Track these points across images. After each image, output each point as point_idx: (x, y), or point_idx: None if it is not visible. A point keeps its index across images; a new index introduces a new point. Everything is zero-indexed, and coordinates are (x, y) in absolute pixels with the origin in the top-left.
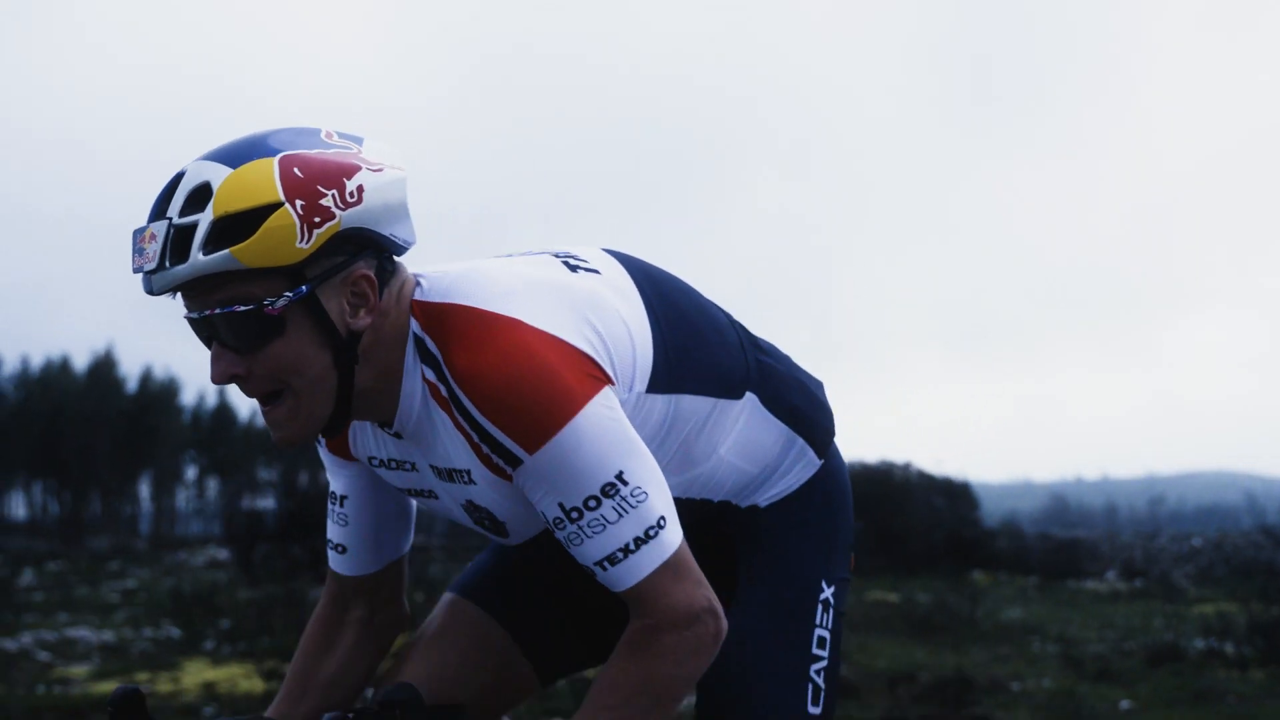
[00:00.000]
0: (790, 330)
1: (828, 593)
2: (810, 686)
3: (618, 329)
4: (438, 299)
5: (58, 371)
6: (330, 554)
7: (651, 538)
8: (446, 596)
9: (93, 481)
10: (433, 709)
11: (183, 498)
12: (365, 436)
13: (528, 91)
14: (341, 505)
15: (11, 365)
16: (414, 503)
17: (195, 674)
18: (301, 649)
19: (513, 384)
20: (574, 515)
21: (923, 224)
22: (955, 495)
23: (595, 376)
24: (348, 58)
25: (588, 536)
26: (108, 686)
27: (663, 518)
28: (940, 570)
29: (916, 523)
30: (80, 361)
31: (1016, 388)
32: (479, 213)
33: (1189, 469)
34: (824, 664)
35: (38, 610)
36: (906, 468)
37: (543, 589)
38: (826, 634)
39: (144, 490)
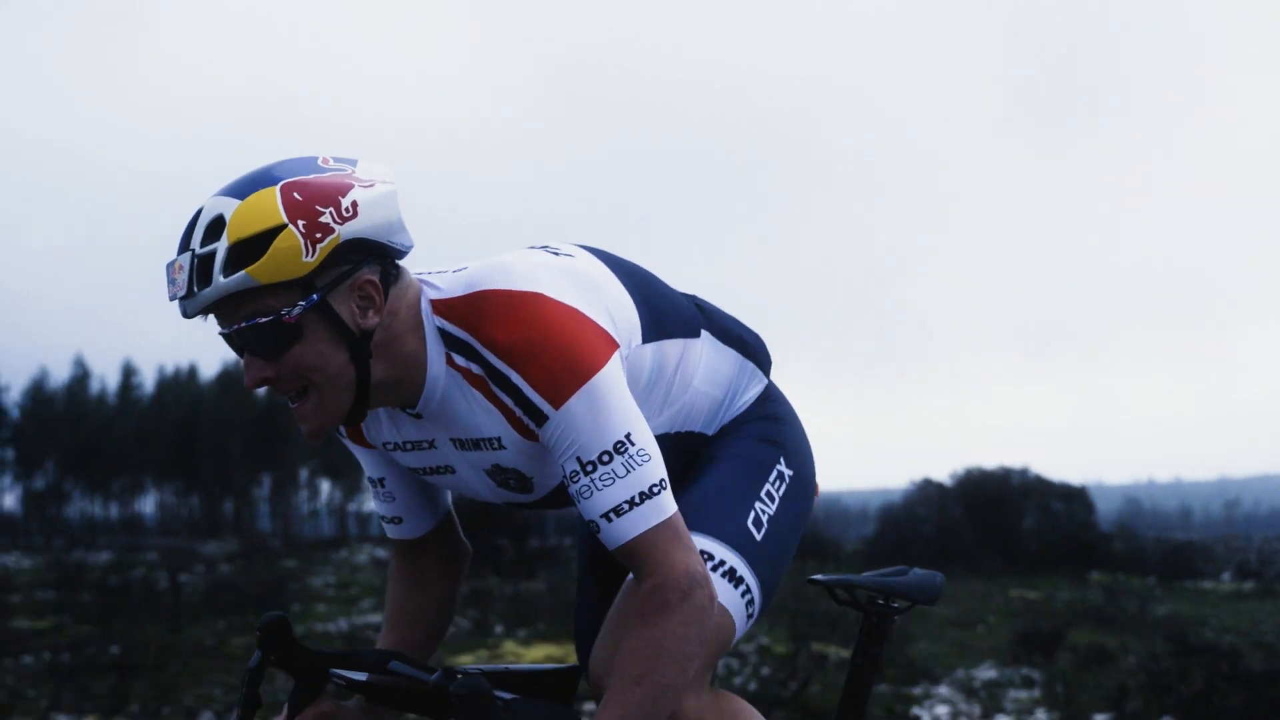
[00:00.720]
0: (854, 338)
1: (784, 469)
2: (752, 514)
3: (614, 298)
4: (460, 293)
5: (186, 379)
6: (387, 527)
7: (654, 494)
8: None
9: (224, 484)
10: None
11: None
12: (379, 425)
13: (598, 104)
14: (382, 485)
15: (148, 375)
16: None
17: (518, 656)
18: (390, 597)
19: (542, 346)
20: (589, 468)
21: (988, 230)
22: (1072, 499)
23: (608, 342)
24: (431, 81)
25: (598, 489)
26: (464, 660)
27: (663, 479)
28: (1059, 571)
29: (1035, 525)
30: (208, 369)
31: (1086, 391)
32: (548, 221)
33: (1262, 472)
34: (770, 512)
35: (329, 601)
36: (1024, 473)
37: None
38: (776, 494)
39: (261, 493)
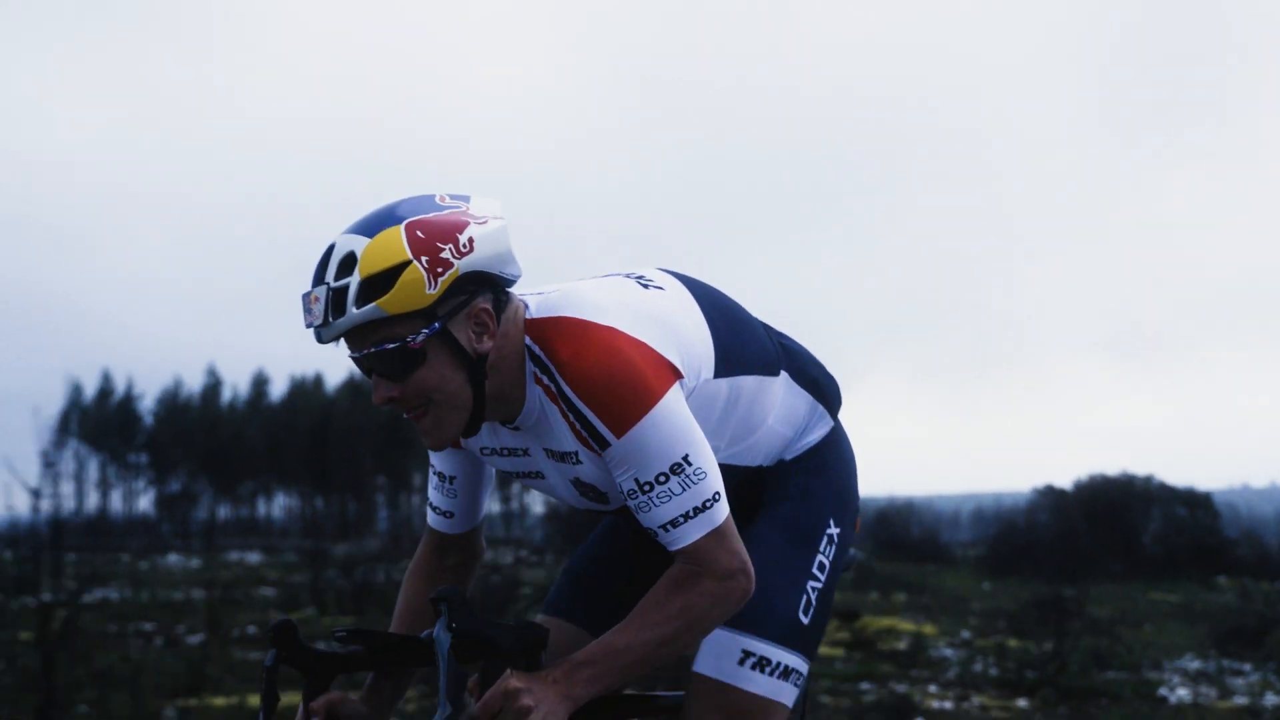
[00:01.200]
0: (947, 342)
1: (834, 530)
2: (804, 599)
3: (686, 333)
4: (546, 314)
5: (313, 388)
6: (434, 516)
7: (707, 509)
8: (539, 617)
9: (353, 488)
10: (519, 627)
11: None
12: (479, 432)
13: (686, 114)
14: (450, 483)
15: (279, 384)
16: (493, 472)
17: None
18: (408, 584)
19: (607, 377)
20: (646, 488)
21: (1083, 234)
22: (1196, 505)
23: (670, 373)
24: (523, 97)
25: (656, 505)
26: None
27: (717, 493)
28: (1183, 576)
29: (1160, 531)
30: (333, 379)
31: (1179, 396)
32: (639, 231)
33: None
34: (819, 585)
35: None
36: (1148, 480)
37: (614, 595)
38: (827, 562)
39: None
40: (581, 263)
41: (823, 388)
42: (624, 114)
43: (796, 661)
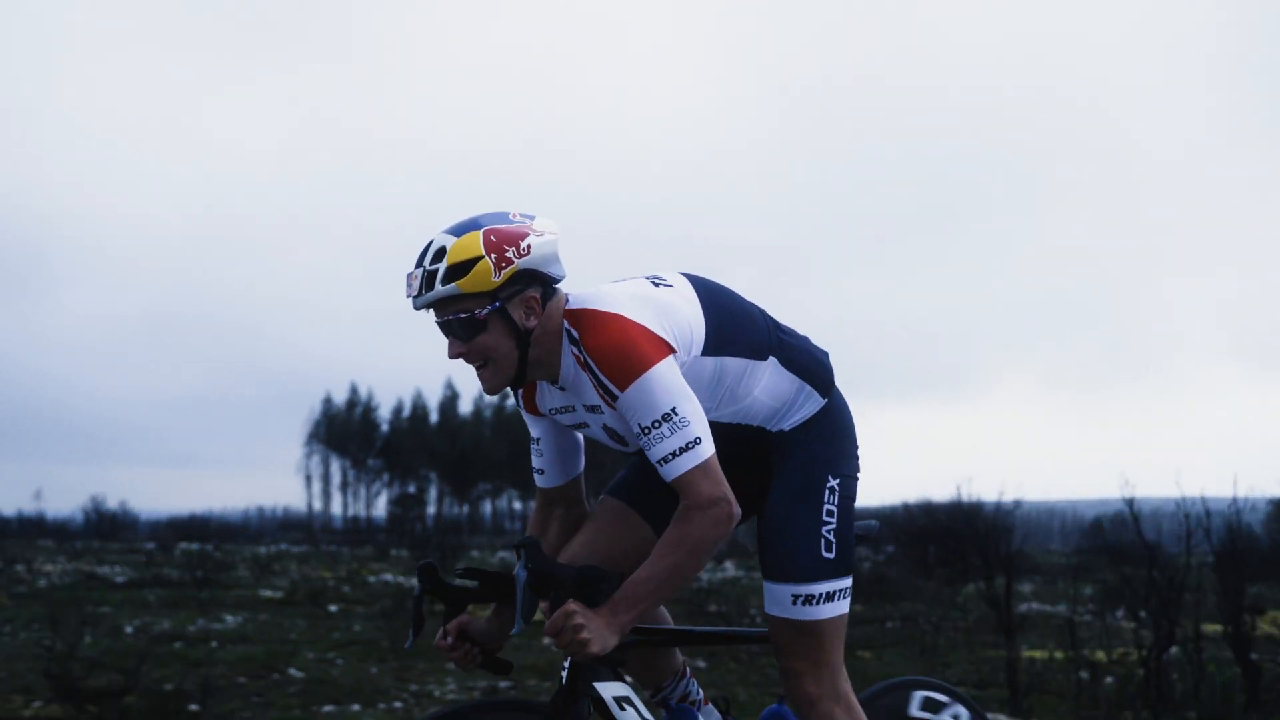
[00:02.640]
0: (1078, 353)
1: (834, 483)
2: (823, 542)
3: (681, 319)
4: (577, 306)
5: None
6: (536, 476)
7: (691, 448)
8: (600, 497)
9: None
10: (582, 569)
11: None
12: (545, 396)
13: (831, 125)
14: (538, 444)
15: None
16: (580, 437)
17: None
18: (530, 530)
19: (614, 350)
20: (646, 431)
21: (1220, 235)
22: None
23: (664, 347)
24: (678, 113)
25: (654, 444)
26: None
27: (699, 438)
28: None
29: None
30: None
31: None
32: (783, 243)
33: None
34: (833, 526)
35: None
36: None
37: (664, 486)
38: (834, 509)
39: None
40: (725, 274)
41: (811, 372)
42: (768, 130)
43: (834, 585)
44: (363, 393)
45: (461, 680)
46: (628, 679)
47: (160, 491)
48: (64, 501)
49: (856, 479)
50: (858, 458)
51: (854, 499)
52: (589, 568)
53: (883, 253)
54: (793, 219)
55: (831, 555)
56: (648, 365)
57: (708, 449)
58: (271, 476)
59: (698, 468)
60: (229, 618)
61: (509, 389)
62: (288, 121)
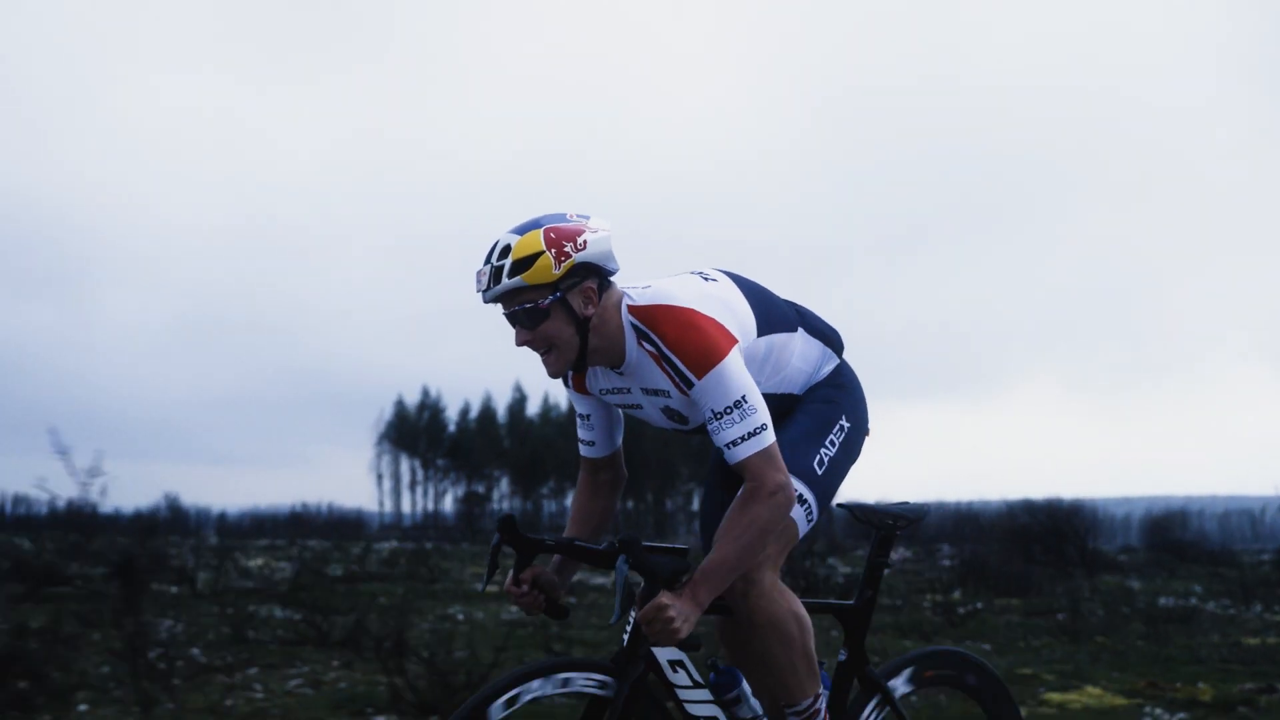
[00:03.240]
0: (1104, 350)
1: (845, 424)
2: (819, 457)
3: (737, 310)
4: (646, 303)
5: None
6: (583, 447)
7: (756, 434)
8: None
9: (665, 490)
10: (672, 564)
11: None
12: (596, 378)
13: (862, 129)
14: (587, 420)
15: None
16: (622, 414)
17: None
18: (576, 500)
19: (691, 342)
20: (717, 416)
21: (1246, 239)
22: None
23: (730, 339)
24: (717, 117)
25: (724, 429)
26: None
27: (764, 425)
28: None
29: None
30: None
31: None
32: (816, 245)
33: None
34: (832, 453)
35: None
36: None
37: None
38: (837, 441)
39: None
40: (767, 273)
41: (828, 336)
42: (801, 132)
43: (809, 493)
44: (430, 395)
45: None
46: None
47: (202, 488)
48: (117, 497)
49: (864, 435)
50: (867, 419)
51: (857, 451)
52: (677, 562)
53: (915, 253)
54: (828, 218)
55: (820, 472)
56: (721, 356)
57: (770, 436)
58: (312, 474)
59: (762, 453)
60: (465, 611)
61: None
62: (332, 130)
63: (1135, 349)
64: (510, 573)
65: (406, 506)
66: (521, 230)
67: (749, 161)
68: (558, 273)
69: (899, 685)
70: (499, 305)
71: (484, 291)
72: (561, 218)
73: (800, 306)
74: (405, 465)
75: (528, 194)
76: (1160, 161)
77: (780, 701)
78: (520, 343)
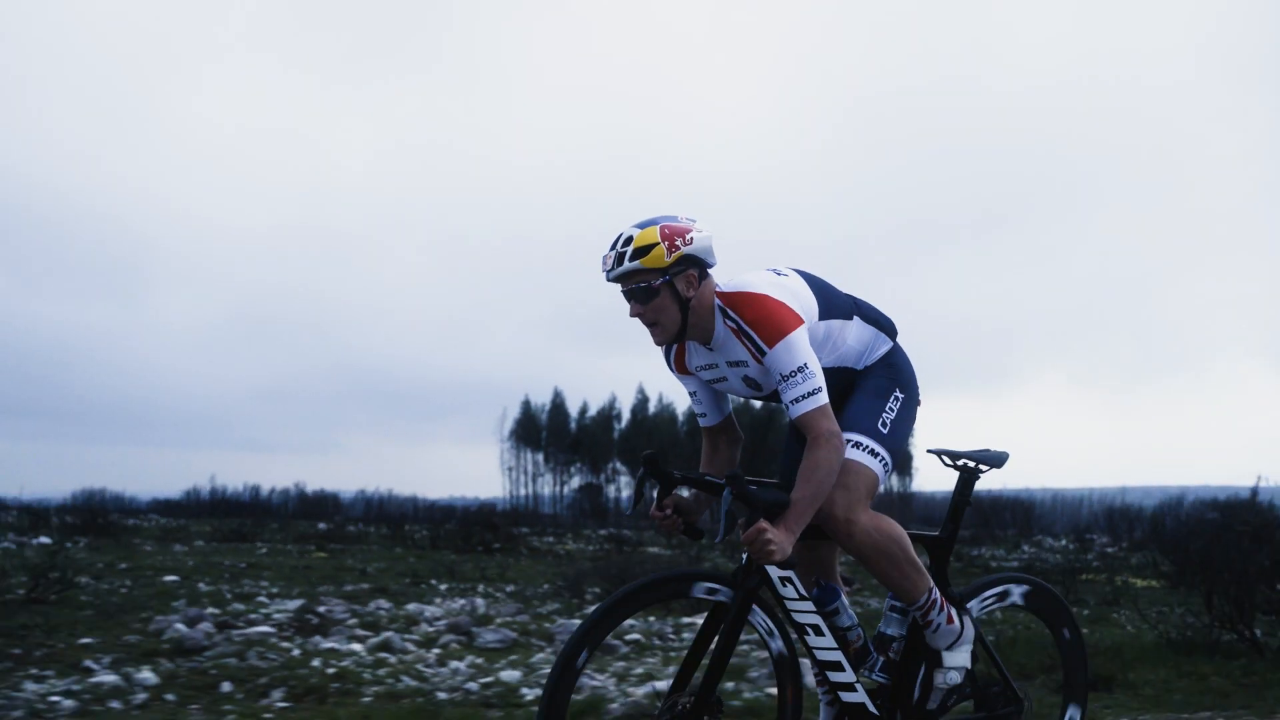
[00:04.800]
0: (1110, 345)
1: (900, 395)
2: (881, 419)
3: (802, 299)
4: (730, 290)
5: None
6: (700, 419)
7: (814, 394)
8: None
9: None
10: (770, 498)
11: None
12: (693, 356)
13: (886, 132)
14: (695, 396)
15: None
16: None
17: None
18: (703, 458)
19: (765, 319)
20: (784, 378)
21: (1250, 238)
22: None
23: (798, 319)
24: (746, 124)
25: (789, 389)
26: None
27: (820, 388)
28: None
29: None
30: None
31: None
32: (838, 246)
33: None
34: (892, 417)
35: None
36: None
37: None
38: (895, 408)
39: None
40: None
41: (881, 324)
42: (829, 134)
43: (879, 448)
44: (559, 396)
45: None
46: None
47: (237, 473)
48: (162, 484)
49: (916, 406)
50: (918, 392)
51: (913, 418)
52: (777, 495)
53: (933, 249)
54: (853, 218)
55: (885, 431)
56: (789, 330)
57: (824, 397)
58: (344, 460)
59: (818, 409)
60: None
61: (665, 359)
62: (382, 139)
63: (1141, 345)
64: (654, 500)
65: (522, 491)
66: (642, 225)
67: (777, 164)
68: (668, 261)
69: (975, 606)
70: (618, 285)
71: (608, 272)
72: (674, 219)
73: (857, 299)
74: (529, 459)
75: (572, 199)
76: (1170, 164)
77: (904, 603)
78: (633, 314)
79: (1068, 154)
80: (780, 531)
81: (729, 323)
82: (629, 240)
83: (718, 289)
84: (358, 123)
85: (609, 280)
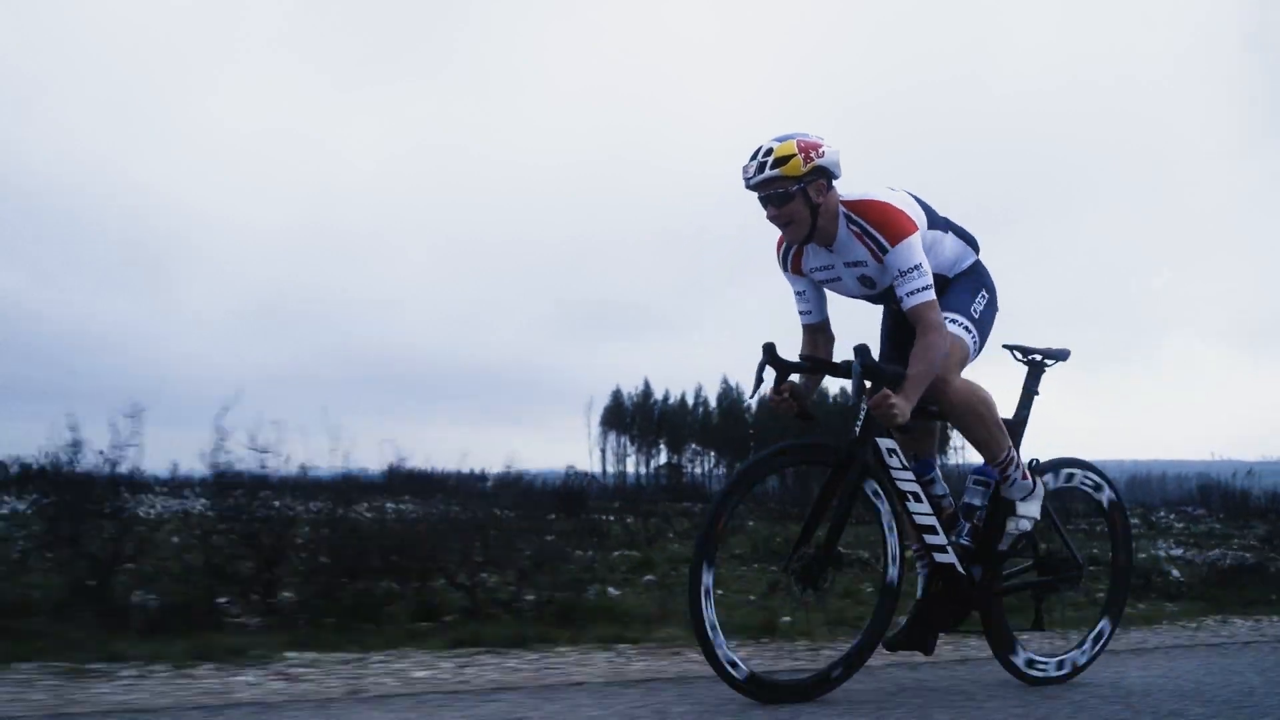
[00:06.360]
0: (1085, 330)
1: (984, 294)
2: (973, 304)
3: (916, 209)
4: (855, 199)
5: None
6: (802, 318)
7: (926, 290)
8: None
9: None
10: (892, 369)
11: None
12: (809, 259)
13: (883, 130)
14: (803, 294)
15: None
16: (826, 293)
17: None
18: (803, 354)
19: (889, 222)
20: (903, 274)
21: (1229, 240)
22: None
23: (914, 225)
24: (747, 125)
25: (905, 284)
26: None
27: (930, 284)
28: None
29: None
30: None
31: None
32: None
33: None
34: (981, 306)
35: None
36: None
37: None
38: (981, 303)
39: None
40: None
41: (967, 238)
42: (831, 133)
43: (972, 326)
44: (649, 385)
45: None
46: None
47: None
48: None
49: (997, 309)
50: (998, 298)
51: (994, 315)
52: (895, 368)
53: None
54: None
55: (976, 315)
56: (910, 232)
57: (934, 293)
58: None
59: (930, 302)
60: None
61: (780, 263)
62: (394, 141)
63: (1108, 331)
64: (771, 385)
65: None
66: (781, 139)
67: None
68: (804, 170)
69: (1049, 480)
70: (756, 192)
71: (748, 179)
72: (807, 135)
73: (950, 219)
74: (614, 440)
75: (576, 199)
76: (1144, 161)
77: (986, 459)
78: (770, 217)
79: (1057, 154)
80: (902, 399)
81: (853, 227)
82: (769, 151)
83: (843, 198)
84: (371, 123)
85: (748, 187)
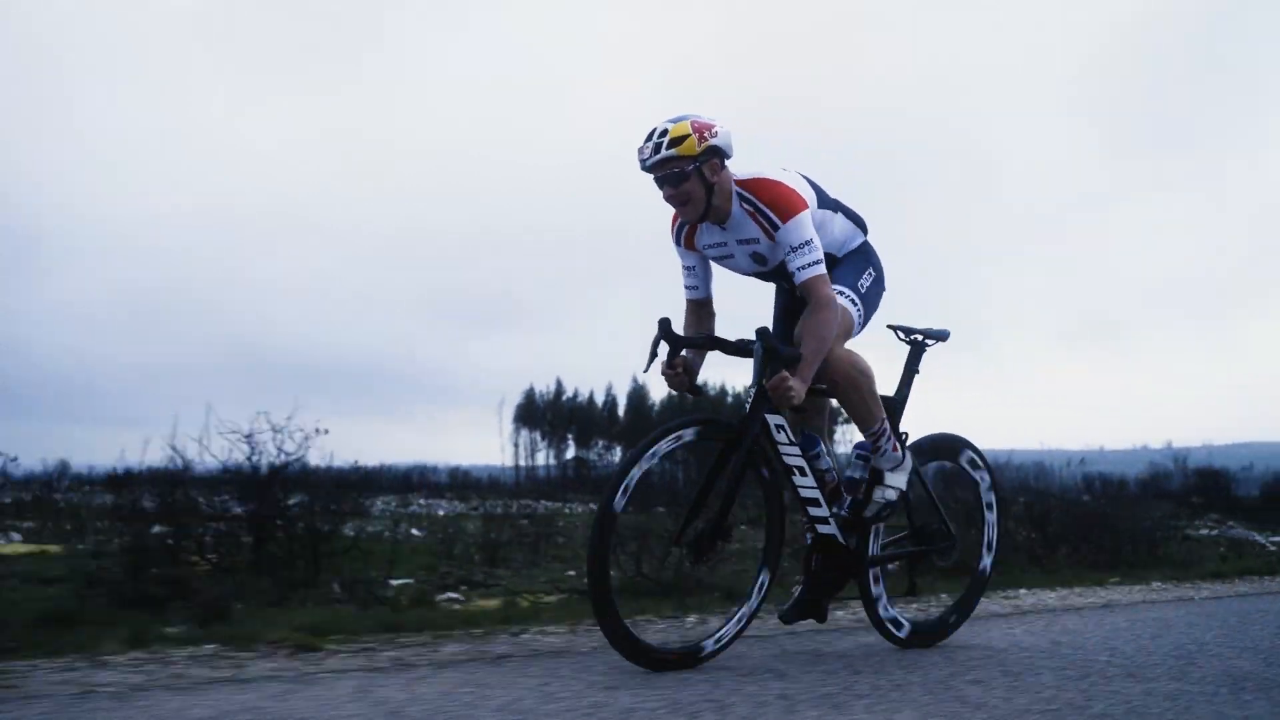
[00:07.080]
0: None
1: (870, 272)
2: (858, 280)
3: (805, 188)
4: (747, 177)
5: None
6: (688, 292)
7: (815, 265)
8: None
9: None
10: (790, 350)
11: None
12: (703, 236)
13: (783, 132)
14: (692, 270)
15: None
16: (713, 268)
17: None
18: (686, 326)
19: (781, 200)
20: (794, 249)
21: (1066, 245)
22: None
23: (805, 203)
24: (634, 114)
25: (796, 259)
26: None
27: (821, 259)
28: None
29: None
30: None
31: (1126, 370)
32: None
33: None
34: (866, 284)
35: None
36: None
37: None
38: (866, 281)
39: None
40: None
41: (855, 220)
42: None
43: (858, 299)
44: (561, 384)
45: None
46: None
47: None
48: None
49: (883, 289)
50: (885, 278)
51: (880, 293)
52: (793, 350)
53: None
54: None
55: (861, 291)
56: (800, 209)
57: (824, 268)
58: None
59: (820, 276)
60: None
61: (674, 239)
62: (305, 131)
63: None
64: (665, 359)
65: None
66: (675, 120)
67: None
68: (698, 150)
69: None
70: (651, 173)
71: (644, 161)
72: (699, 116)
73: (840, 200)
74: (525, 436)
75: (475, 184)
76: (993, 174)
77: (860, 428)
78: (666, 197)
79: (903, 163)
80: (798, 380)
81: (746, 205)
82: (664, 133)
83: (736, 177)
84: (275, 114)
85: (644, 169)
